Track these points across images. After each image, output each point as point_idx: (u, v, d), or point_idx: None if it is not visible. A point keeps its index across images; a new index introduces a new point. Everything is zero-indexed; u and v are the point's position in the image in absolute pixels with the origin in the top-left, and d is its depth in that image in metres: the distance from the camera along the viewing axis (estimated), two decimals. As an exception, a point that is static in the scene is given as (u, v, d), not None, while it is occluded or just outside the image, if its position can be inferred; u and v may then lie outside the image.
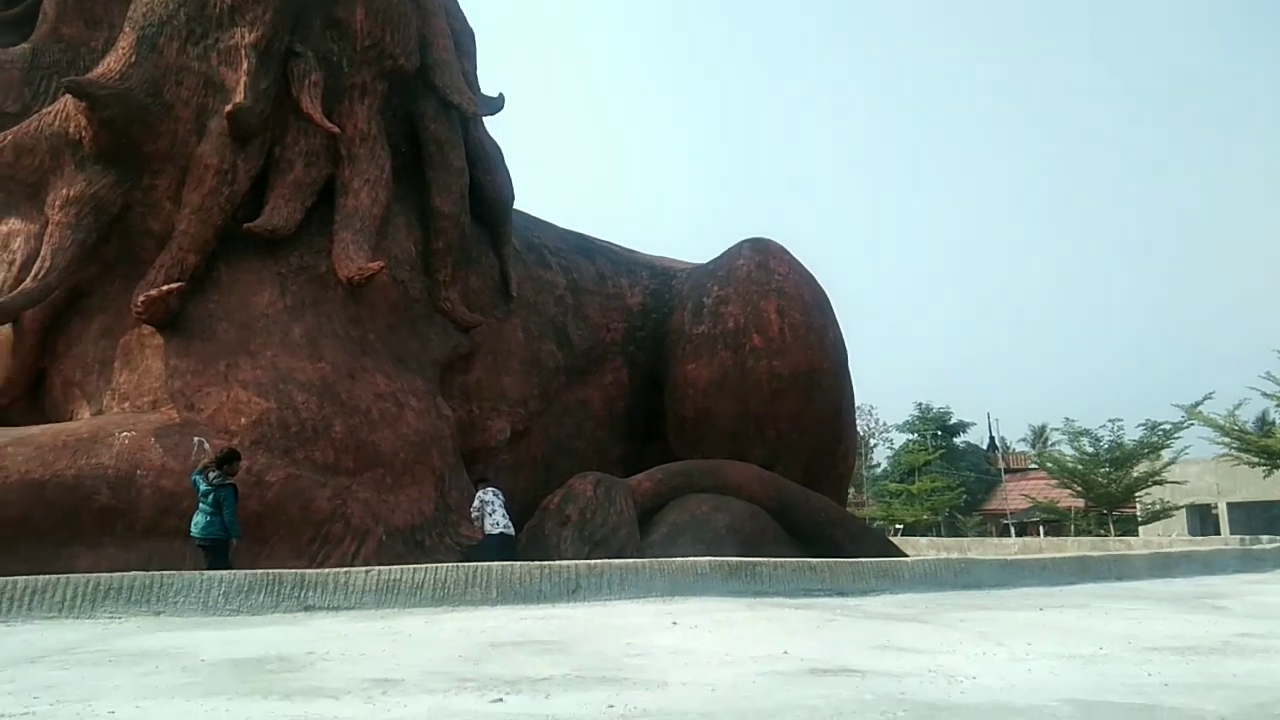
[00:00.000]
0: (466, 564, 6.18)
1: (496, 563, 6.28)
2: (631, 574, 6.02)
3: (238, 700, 3.22)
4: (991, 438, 49.37)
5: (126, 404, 8.68)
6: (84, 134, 8.91)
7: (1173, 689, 3.27)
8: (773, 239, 13.64)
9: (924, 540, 21.04)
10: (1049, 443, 53.08)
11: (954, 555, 10.36)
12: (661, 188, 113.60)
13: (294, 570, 5.80)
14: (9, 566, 7.33)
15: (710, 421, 12.43)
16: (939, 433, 43.24)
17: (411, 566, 5.82)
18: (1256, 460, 24.47)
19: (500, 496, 9.81)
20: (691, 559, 6.69)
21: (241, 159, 9.27)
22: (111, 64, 8.97)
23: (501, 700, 3.20)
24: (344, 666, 3.86)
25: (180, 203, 9.14)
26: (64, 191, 8.90)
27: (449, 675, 3.65)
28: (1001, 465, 43.91)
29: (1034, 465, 47.08)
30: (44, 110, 9.28)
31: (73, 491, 7.65)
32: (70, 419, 8.90)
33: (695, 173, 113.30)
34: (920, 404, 45.25)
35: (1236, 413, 25.82)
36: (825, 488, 13.05)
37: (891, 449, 46.42)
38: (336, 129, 9.66)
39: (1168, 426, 26.10)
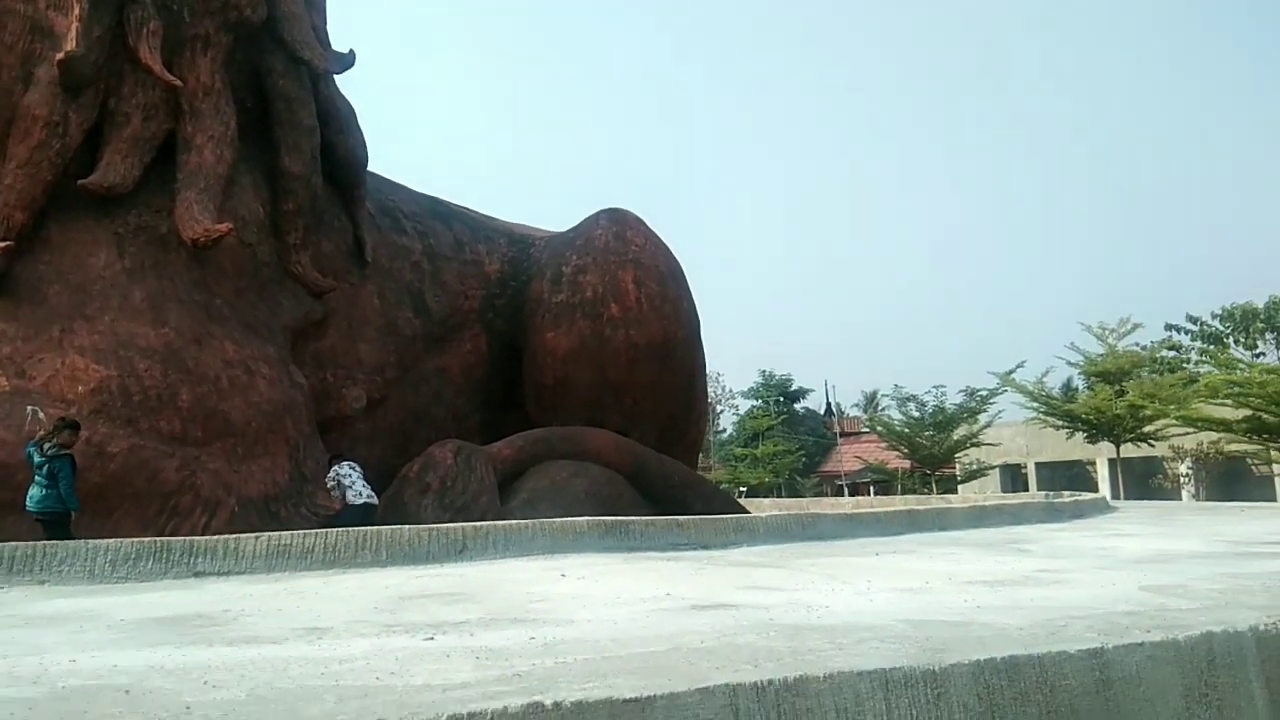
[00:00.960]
0: (355, 528, 6.19)
1: (385, 526, 6.31)
2: (515, 534, 6.22)
3: (187, 648, 3.24)
4: (828, 403, 51.93)
5: (-55, 372, 8.04)
6: (-111, 76, 8.12)
7: (983, 610, 3.85)
8: (629, 209, 13.90)
9: (767, 501, 22.08)
10: (880, 408, 56.43)
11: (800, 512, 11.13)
12: (518, 152, 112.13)
13: (182, 537, 5.66)
14: None
15: (569, 389, 12.63)
16: (781, 399, 45.11)
17: (301, 531, 5.80)
18: (1061, 423, 26.92)
19: (357, 469, 9.71)
20: (570, 519, 6.96)
21: (73, 110, 8.68)
22: (-78, 1, 8.19)
23: (433, 639, 3.35)
24: (268, 620, 3.91)
25: (5, 155, 8.48)
26: None
27: (373, 623, 3.78)
28: (837, 429, 46.34)
29: (866, 429, 49.98)
30: None
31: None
32: (-122, 388, 8.16)
33: (551, 138, 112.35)
34: (764, 371, 47.07)
35: (1044, 380, 28.37)
36: (678, 453, 13.53)
37: (738, 415, 48.16)
38: (178, 81, 9.17)
39: (984, 392, 28.32)
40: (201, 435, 8.54)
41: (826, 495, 38.33)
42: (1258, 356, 30.25)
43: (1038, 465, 36.25)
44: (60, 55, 8.38)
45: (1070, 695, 2.72)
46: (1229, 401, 22.41)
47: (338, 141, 11.17)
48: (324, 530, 6.04)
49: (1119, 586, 4.63)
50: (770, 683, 2.41)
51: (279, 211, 10.39)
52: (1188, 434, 25.80)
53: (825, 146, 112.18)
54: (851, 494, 38.26)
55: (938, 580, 4.93)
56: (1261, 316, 32.39)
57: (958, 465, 31.43)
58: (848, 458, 39.24)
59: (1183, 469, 31.07)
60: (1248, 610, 3.68)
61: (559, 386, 12.72)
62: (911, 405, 29.06)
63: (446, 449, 10.87)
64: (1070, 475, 34.78)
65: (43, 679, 2.77)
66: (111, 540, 5.46)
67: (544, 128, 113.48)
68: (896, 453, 30.94)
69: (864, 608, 3.96)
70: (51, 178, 8.61)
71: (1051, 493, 19.26)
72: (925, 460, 28.71)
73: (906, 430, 28.93)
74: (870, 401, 57.59)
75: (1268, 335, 32.31)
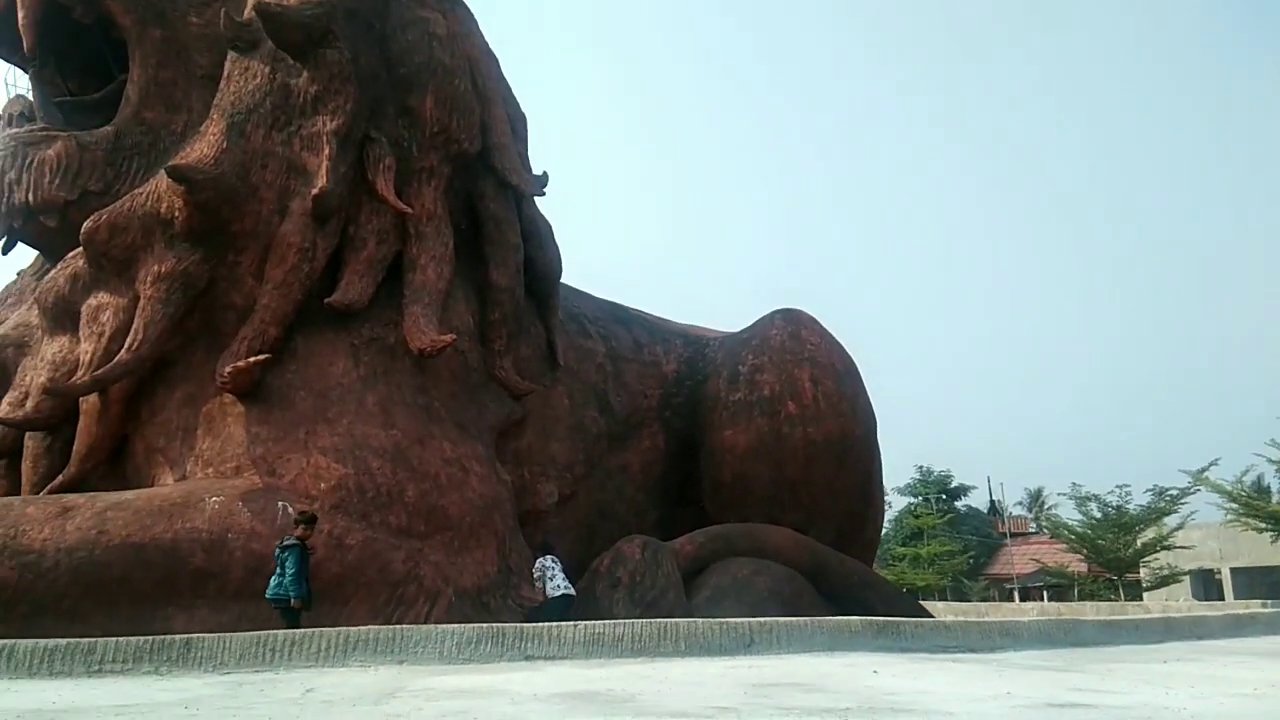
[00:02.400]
0: (659, 620, 6.62)
1: (682, 620, 6.75)
2: (796, 630, 6.58)
3: (622, 719, 3.63)
4: (992, 501, 49.65)
5: (210, 469, 9.09)
6: (177, 214, 9.48)
7: None
8: (802, 309, 14.25)
9: (940, 604, 21.29)
10: (1045, 506, 53.36)
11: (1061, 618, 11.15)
12: (691, 250, 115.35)
13: (512, 625, 6.25)
14: (110, 626, 7.69)
15: (747, 486, 12.85)
16: (942, 496, 43.53)
17: (612, 621, 6.29)
18: (1263, 525, 24.91)
19: (559, 562, 10.21)
20: (844, 618, 7.25)
21: (320, 238, 9.84)
22: (205, 150, 9.58)
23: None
24: (664, 700, 4.24)
25: (262, 278, 9.67)
26: (155, 268, 9.44)
27: (769, 704, 4.04)
28: (1006, 530, 44.17)
29: (1034, 529, 47.31)
30: (135, 192, 9.84)
31: (170, 554, 8.02)
32: (153, 484, 9.30)
33: (723, 234, 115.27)
34: (921, 467, 45.63)
35: (1244, 478, 26.44)
36: (856, 551, 13.44)
37: (890, 511, 46.72)
38: (409, 210, 10.26)
39: (1174, 492, 26.58)
40: (424, 529, 9.25)
41: (994, 599, 36.41)
42: None
43: (1234, 570, 33.41)
44: (315, 191, 9.57)
45: None
46: None
47: (537, 256, 12.12)
48: (632, 620, 6.51)
49: None
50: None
51: (486, 321, 11.30)
52: None
53: (989, 218, 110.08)
54: (1023, 598, 36.21)
55: (1265, 687, 4.95)
56: None
57: (1142, 570, 29.40)
58: (1018, 559, 37.28)
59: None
60: None
61: (737, 483, 12.97)
62: (1093, 505, 27.56)
63: (635, 545, 11.24)
64: (1270, 582, 31.86)
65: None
66: (455, 626, 6.14)
67: (714, 226, 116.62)
68: (1074, 555, 29.25)
69: (1225, 710, 4.02)
70: (301, 297, 9.73)
71: (1260, 601, 17.84)
72: (1109, 564, 27.01)
73: (1088, 532, 27.39)
74: (1035, 500, 54.69)
75: None
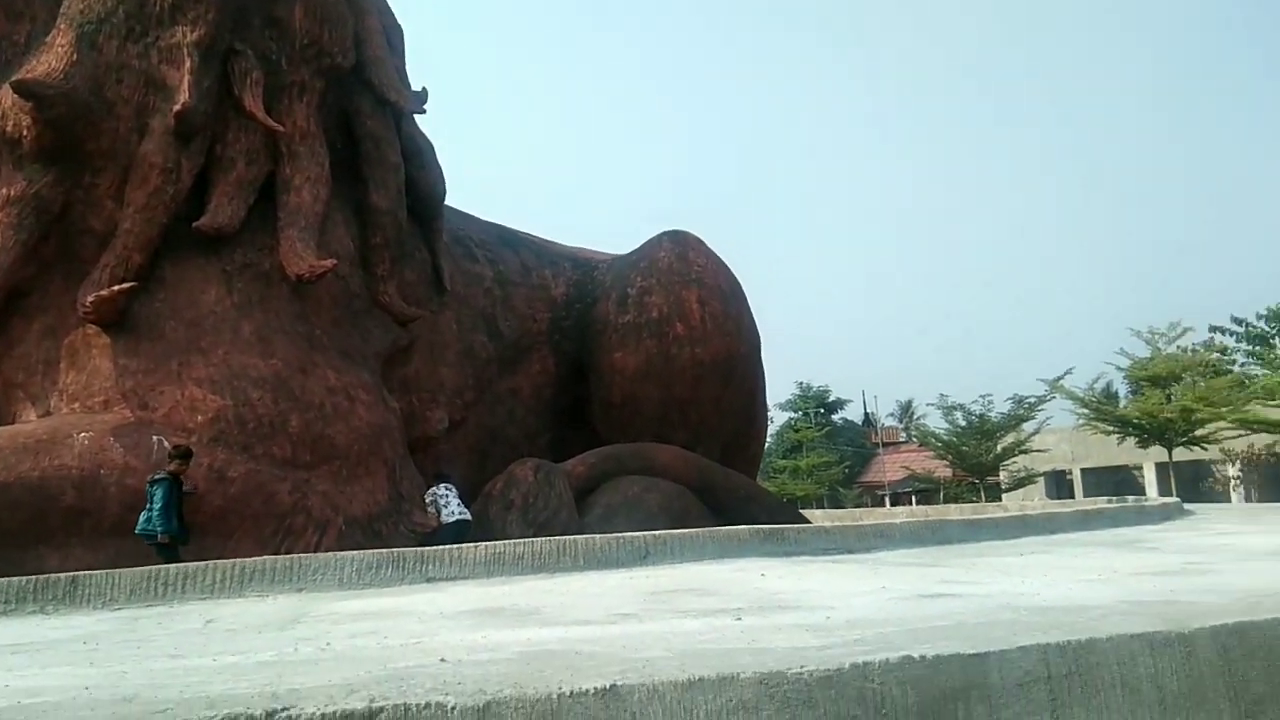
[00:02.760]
0: (558, 537, 6.74)
1: (580, 536, 6.89)
2: (689, 541, 6.81)
3: (537, 630, 3.69)
4: (866, 414, 51.95)
5: (76, 404, 8.65)
6: (25, 133, 8.76)
7: (1178, 593, 4.28)
8: (689, 230, 14.36)
9: (818, 512, 22.35)
10: (915, 417, 56.06)
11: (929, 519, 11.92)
12: (576, 174, 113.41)
13: (412, 549, 6.25)
14: (-21, 569, 7.33)
15: (636, 407, 13.07)
16: (820, 410, 45.23)
17: (512, 541, 6.36)
18: (1111, 428, 26.95)
19: (454, 489, 10.25)
20: (733, 528, 7.49)
21: (185, 157, 9.29)
22: (53, 62, 8.82)
23: (740, 620, 3.79)
24: (568, 611, 4.32)
25: (123, 201, 9.10)
26: (4, 191, 8.76)
27: (667, 609, 4.19)
28: (877, 440, 46.37)
29: (904, 439, 49.82)
30: None
31: (38, 493, 7.66)
32: (13, 421, 8.79)
33: (605, 157, 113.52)
34: (800, 383, 47.21)
35: (1095, 385, 28.47)
36: (741, 466, 13.93)
37: (772, 426, 48.39)
38: (280, 126, 9.76)
39: (1032, 400, 28.40)
40: (310, 459, 9.08)
41: (867, 505, 38.41)
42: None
43: (1083, 471, 36.16)
44: (177, 107, 8.98)
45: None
46: (1280, 403, 22.39)
47: (419, 177, 11.75)
48: (532, 540, 6.61)
49: (1277, 575, 5.05)
50: (1070, 642, 2.98)
51: (367, 245, 10.96)
52: (1240, 436, 25.74)
53: (861, 149, 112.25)
54: (893, 503, 38.32)
55: (1108, 573, 5.40)
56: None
57: (1002, 473, 31.51)
58: (890, 467, 39.33)
59: (1232, 471, 30.89)
60: None
61: (626, 404, 13.18)
62: (958, 414, 29.19)
63: (527, 467, 11.36)
64: (1117, 480, 34.65)
65: (487, 648, 3.25)
66: (354, 552, 6.13)
67: (599, 147, 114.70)
68: (941, 462, 31.04)
69: (1070, 593, 4.39)
70: (166, 221, 9.20)
71: (1105, 498, 19.41)
72: (972, 469, 28.82)
73: (953, 440, 29.07)
74: (905, 411, 57.40)
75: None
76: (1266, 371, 23.69)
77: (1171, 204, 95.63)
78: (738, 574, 5.70)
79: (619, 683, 2.51)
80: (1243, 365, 28.25)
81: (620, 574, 5.93)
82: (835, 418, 48.91)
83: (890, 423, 54.52)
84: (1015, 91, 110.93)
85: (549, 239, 15.42)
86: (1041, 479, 33.43)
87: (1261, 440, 27.27)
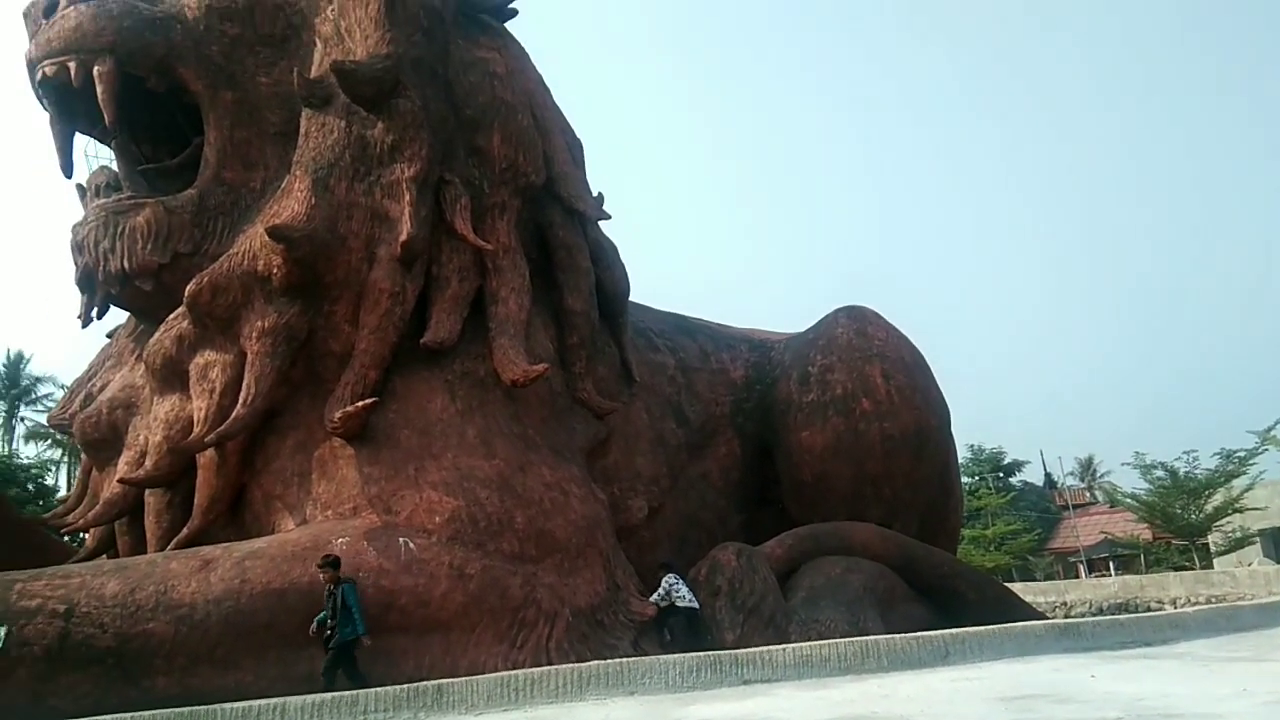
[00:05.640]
0: (858, 639, 6.94)
1: (881, 637, 7.10)
2: (988, 639, 6.88)
3: None
4: (1047, 474, 49.28)
5: (329, 512, 9.48)
6: (275, 271, 9.89)
7: None
8: (864, 305, 14.45)
9: (1018, 585, 21.31)
10: (1098, 475, 52.70)
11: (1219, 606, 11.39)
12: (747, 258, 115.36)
13: (728, 651, 6.62)
14: (263, 669, 8.13)
15: (827, 484, 13.11)
16: (997, 474, 43.25)
17: (818, 643, 6.63)
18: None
19: (682, 580, 10.59)
20: (1028, 624, 7.59)
21: (408, 280, 10.23)
22: (296, 207, 9.99)
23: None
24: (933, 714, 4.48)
25: (357, 324, 10.07)
26: (259, 324, 9.86)
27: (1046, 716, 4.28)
28: (1064, 502, 43.82)
29: (1090, 499, 46.81)
30: (231, 253, 10.26)
31: (308, 597, 8.40)
32: (274, 530, 9.70)
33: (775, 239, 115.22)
34: (972, 446, 45.32)
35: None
36: (940, 541, 13.65)
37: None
38: (489, 246, 10.63)
39: (1242, 453, 26.37)
40: (535, 553, 9.59)
41: (1059, 574, 36.16)
42: None
43: (1303, 528, 32.96)
44: (403, 238, 9.95)
45: None
46: None
47: (605, 277, 12.45)
48: (835, 640, 6.83)
49: None
50: None
51: (565, 345, 11.68)
52: None
53: (1033, 191, 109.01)
54: (1089, 571, 35.96)
55: None
56: None
57: (1214, 534, 29.17)
58: (1082, 531, 37.01)
59: None
60: None
61: (817, 483, 13.22)
62: (1159, 472, 27.37)
63: (729, 552, 11.52)
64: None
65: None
66: (676, 656, 6.52)
67: (767, 230, 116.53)
68: (1141, 525, 29.04)
69: None
70: (396, 339, 10.12)
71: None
72: (1179, 531, 26.83)
73: (1156, 500, 27.21)
74: (1087, 469, 54.07)
75: None
76: None
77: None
78: (1058, 675, 5.62)
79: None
80: None
81: (935, 675, 5.94)
82: (1014, 480, 46.63)
83: (1071, 482, 51.54)
84: (1207, 141, 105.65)
85: (722, 324, 15.84)
86: (1258, 539, 30.72)
87: None
